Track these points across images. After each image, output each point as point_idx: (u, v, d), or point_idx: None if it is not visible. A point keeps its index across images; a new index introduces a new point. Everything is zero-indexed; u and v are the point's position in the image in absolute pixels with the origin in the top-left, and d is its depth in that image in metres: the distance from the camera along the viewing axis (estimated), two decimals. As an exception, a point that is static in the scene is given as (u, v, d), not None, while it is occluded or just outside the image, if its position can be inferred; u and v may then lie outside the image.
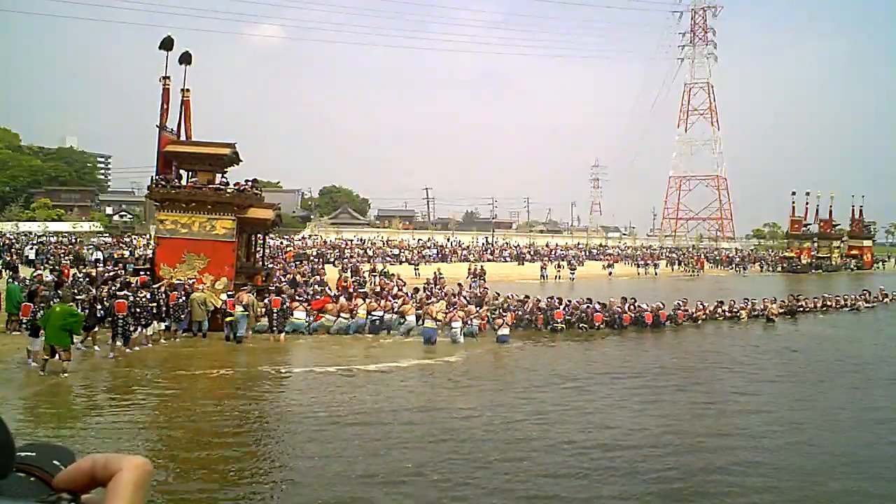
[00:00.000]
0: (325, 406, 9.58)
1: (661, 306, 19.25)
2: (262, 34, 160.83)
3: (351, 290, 19.13)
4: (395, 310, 16.63)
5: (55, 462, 0.72)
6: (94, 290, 13.41)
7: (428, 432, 8.35)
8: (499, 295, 19.08)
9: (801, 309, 23.26)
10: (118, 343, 12.45)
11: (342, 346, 14.82)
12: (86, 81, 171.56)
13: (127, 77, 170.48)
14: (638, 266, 45.05)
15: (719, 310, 20.79)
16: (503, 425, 8.76)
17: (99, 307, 13.10)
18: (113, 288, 13.92)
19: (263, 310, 15.60)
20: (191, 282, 15.36)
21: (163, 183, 16.13)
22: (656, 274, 43.47)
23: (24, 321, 12.77)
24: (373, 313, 16.33)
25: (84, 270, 18.93)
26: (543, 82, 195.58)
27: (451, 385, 11.27)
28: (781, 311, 21.82)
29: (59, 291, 13.33)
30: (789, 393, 11.52)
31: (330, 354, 13.78)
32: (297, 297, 17.07)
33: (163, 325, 14.07)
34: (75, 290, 14.36)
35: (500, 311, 17.16)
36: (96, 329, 13.07)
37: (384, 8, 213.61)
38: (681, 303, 20.13)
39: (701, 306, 20.34)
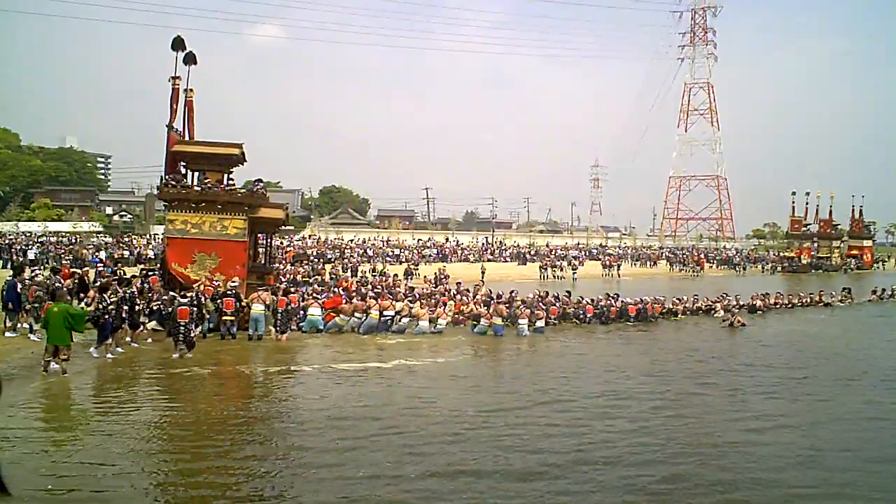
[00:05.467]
0: (335, 406, 9.56)
1: (645, 300, 20.38)
2: (262, 34, 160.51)
3: (352, 290, 19.14)
4: (410, 312, 16.82)
5: None
6: (120, 292, 13.41)
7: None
8: (492, 293, 19.69)
9: (761, 309, 23.56)
10: (182, 347, 12.63)
11: (351, 345, 14.84)
12: (86, 81, 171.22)
13: (127, 77, 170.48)
14: (604, 267, 42.62)
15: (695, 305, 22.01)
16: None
17: (126, 308, 13.12)
18: (130, 291, 13.94)
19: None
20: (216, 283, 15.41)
21: (173, 183, 16.13)
22: (619, 275, 41.38)
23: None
24: (384, 312, 16.52)
25: (83, 271, 18.84)
26: (543, 82, 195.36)
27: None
28: (738, 306, 22.39)
29: (81, 293, 13.32)
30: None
31: (342, 353, 13.77)
32: (314, 295, 17.31)
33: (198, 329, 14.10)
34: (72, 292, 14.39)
35: (541, 304, 18.23)
36: (120, 330, 13.05)
37: (385, 8, 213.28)
38: (660, 298, 21.19)
39: (677, 300, 21.80)
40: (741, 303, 23.19)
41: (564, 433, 8.43)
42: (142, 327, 14.20)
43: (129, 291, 13.82)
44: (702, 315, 21.64)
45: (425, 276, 28.50)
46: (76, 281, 16.32)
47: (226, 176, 16.85)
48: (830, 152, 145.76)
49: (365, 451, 7.46)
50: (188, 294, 13.77)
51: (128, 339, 13.53)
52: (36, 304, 13.89)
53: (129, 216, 61.12)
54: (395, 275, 26.95)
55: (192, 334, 12.98)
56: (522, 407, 9.77)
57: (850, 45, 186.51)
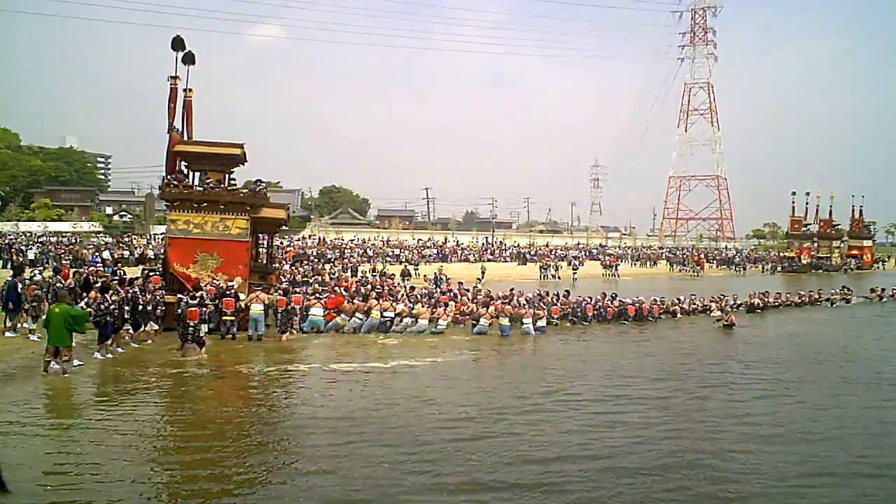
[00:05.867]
0: (334, 408, 9.57)
1: (641, 300, 20.76)
2: (262, 34, 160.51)
3: (352, 290, 19.18)
4: (411, 313, 16.93)
5: None
6: (122, 292, 13.42)
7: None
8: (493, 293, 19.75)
9: (759, 308, 23.84)
10: (194, 346, 12.84)
11: (352, 345, 14.85)
12: (86, 81, 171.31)
13: (127, 77, 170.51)
14: (604, 267, 42.25)
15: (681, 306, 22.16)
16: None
17: (128, 308, 13.15)
18: (133, 291, 14.00)
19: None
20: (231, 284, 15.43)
21: (175, 183, 16.13)
22: (618, 275, 40.77)
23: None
24: (385, 313, 16.60)
25: (85, 271, 18.84)
26: (544, 82, 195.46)
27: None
28: (735, 306, 22.86)
29: (84, 293, 13.35)
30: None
31: (343, 354, 13.78)
32: (316, 295, 17.37)
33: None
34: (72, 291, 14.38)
35: (541, 304, 18.69)
36: (122, 330, 13.08)
37: (385, 8, 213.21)
38: (656, 299, 21.53)
39: (676, 300, 22.15)
40: (738, 302, 23.47)
41: (569, 439, 8.31)
42: (144, 327, 14.22)
43: (131, 291, 13.86)
44: (698, 315, 21.76)
45: (425, 276, 28.57)
46: (80, 280, 16.28)
47: (227, 176, 16.88)
48: (830, 152, 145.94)
49: (364, 458, 7.34)
50: (196, 295, 13.83)
51: (127, 338, 13.55)
52: (34, 304, 13.89)
53: (129, 216, 61.08)
54: (393, 275, 27.06)
55: (202, 334, 13.10)
56: (525, 411, 9.67)
57: (850, 45, 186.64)
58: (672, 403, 10.52)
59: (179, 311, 13.36)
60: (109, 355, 12.28)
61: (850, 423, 9.59)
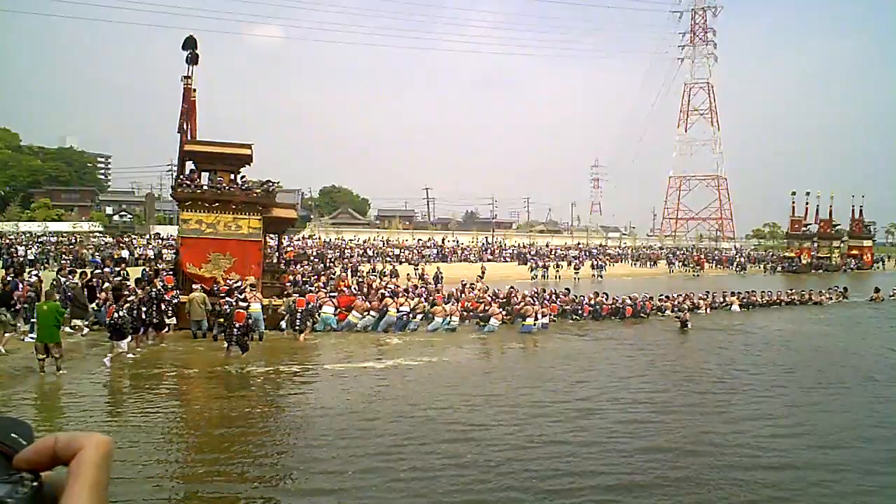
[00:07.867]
0: (340, 413, 9.53)
1: (635, 297, 21.61)
2: (262, 34, 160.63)
3: (354, 289, 19.22)
4: (425, 310, 17.12)
5: (13, 435, 0.70)
6: (140, 293, 13.38)
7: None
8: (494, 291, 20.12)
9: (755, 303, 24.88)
10: (236, 349, 12.75)
11: (361, 344, 14.84)
12: (86, 81, 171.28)
13: (127, 77, 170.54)
14: (593, 268, 41.53)
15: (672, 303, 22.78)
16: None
17: (144, 309, 13.10)
18: (156, 290, 14.00)
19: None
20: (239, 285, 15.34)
21: (187, 183, 16.13)
22: (602, 277, 39.77)
23: (108, 322, 12.52)
24: (400, 309, 16.67)
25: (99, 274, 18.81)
26: (544, 82, 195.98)
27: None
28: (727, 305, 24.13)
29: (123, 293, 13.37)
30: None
31: (351, 353, 13.77)
32: (329, 294, 17.43)
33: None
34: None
35: (547, 302, 19.28)
36: (141, 332, 13.04)
37: (385, 8, 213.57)
38: (646, 295, 22.31)
39: (665, 297, 22.86)
40: (726, 300, 24.27)
41: (579, 452, 7.91)
42: (167, 328, 14.21)
43: (153, 290, 13.82)
44: (688, 312, 21.90)
45: (408, 275, 28.85)
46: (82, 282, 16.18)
47: (235, 176, 16.91)
48: (830, 152, 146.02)
49: (371, 469, 7.03)
50: (240, 297, 13.87)
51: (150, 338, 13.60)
52: (26, 305, 13.88)
53: (129, 216, 61.02)
54: (382, 273, 27.34)
55: (247, 337, 13.04)
56: (537, 414, 9.48)
57: (850, 45, 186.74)
58: (682, 407, 10.40)
59: (228, 312, 13.41)
60: (109, 355, 12.26)
61: (856, 425, 9.58)
